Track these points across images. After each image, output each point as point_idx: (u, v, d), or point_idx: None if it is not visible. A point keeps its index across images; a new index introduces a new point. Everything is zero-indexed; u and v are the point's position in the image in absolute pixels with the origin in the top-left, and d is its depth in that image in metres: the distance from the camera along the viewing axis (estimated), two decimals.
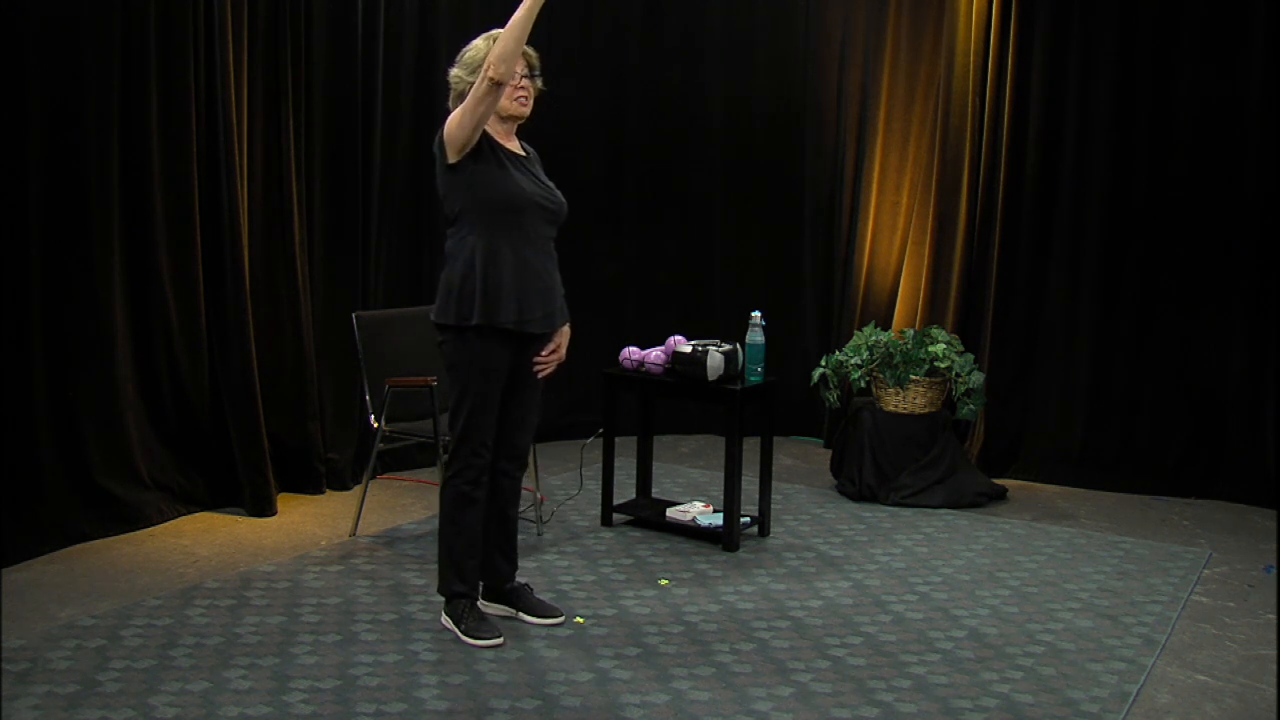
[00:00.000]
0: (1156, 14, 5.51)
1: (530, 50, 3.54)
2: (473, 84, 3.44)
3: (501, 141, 3.54)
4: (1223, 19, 5.41)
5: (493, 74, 3.29)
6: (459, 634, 3.58)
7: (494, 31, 3.49)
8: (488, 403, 3.52)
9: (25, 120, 4.24)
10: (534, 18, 3.30)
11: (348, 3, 5.30)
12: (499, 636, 3.56)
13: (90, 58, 4.43)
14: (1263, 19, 5.32)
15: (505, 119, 3.56)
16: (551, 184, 3.67)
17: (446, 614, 3.66)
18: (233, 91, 4.79)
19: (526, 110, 3.57)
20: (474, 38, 3.59)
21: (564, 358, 3.72)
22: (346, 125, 5.37)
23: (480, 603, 3.78)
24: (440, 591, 3.68)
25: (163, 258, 4.71)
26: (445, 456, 3.76)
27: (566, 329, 3.72)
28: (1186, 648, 3.73)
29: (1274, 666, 3.58)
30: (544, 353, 3.65)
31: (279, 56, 5.01)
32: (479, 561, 3.67)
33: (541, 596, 3.90)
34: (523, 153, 3.65)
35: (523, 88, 3.53)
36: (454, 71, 3.56)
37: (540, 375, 3.67)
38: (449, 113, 3.53)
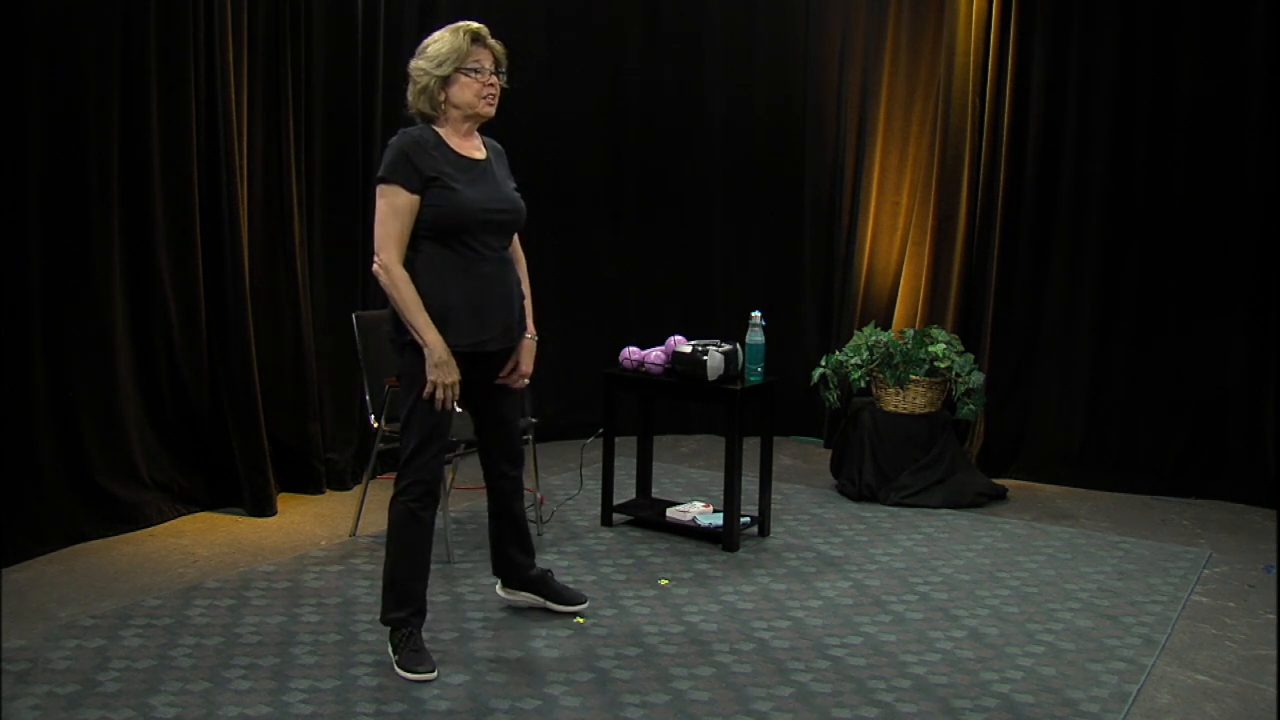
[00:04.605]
0: (1156, 14, 5.52)
1: (498, 45, 3.39)
2: (438, 78, 3.30)
3: (457, 146, 3.36)
4: (1223, 19, 5.40)
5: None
6: (393, 663, 3.36)
7: (460, 24, 3.34)
8: (442, 419, 3.34)
9: (25, 121, 4.24)
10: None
11: (348, 3, 5.31)
12: (432, 671, 3.32)
13: (90, 58, 4.43)
14: (1263, 19, 5.32)
15: (470, 118, 3.37)
16: (512, 183, 3.49)
17: (389, 640, 3.43)
18: (233, 91, 4.79)
19: (493, 110, 3.40)
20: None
21: (528, 372, 3.56)
22: (346, 125, 5.37)
23: (503, 591, 3.83)
24: (380, 620, 3.44)
25: (163, 258, 4.71)
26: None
27: (529, 343, 3.55)
28: (1186, 648, 3.73)
29: (1274, 666, 3.58)
30: (504, 373, 3.51)
31: (279, 57, 5.02)
32: (425, 585, 3.44)
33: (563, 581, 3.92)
34: (481, 154, 3.43)
35: (491, 85, 3.36)
36: (416, 64, 3.35)
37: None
38: (409, 108, 3.38)
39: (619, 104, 6.57)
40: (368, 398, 4.68)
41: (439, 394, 3.27)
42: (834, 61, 6.50)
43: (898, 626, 3.83)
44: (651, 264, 6.68)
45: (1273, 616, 4.01)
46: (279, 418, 5.13)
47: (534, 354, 3.59)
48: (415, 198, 3.26)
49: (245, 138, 4.93)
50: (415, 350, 3.29)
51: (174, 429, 4.85)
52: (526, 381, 3.59)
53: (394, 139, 3.32)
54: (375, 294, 5.57)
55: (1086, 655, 3.62)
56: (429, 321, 3.24)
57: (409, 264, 3.29)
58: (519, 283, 3.54)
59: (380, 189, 3.27)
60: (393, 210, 3.25)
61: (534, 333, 3.59)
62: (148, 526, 4.64)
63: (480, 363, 3.45)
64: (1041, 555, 4.60)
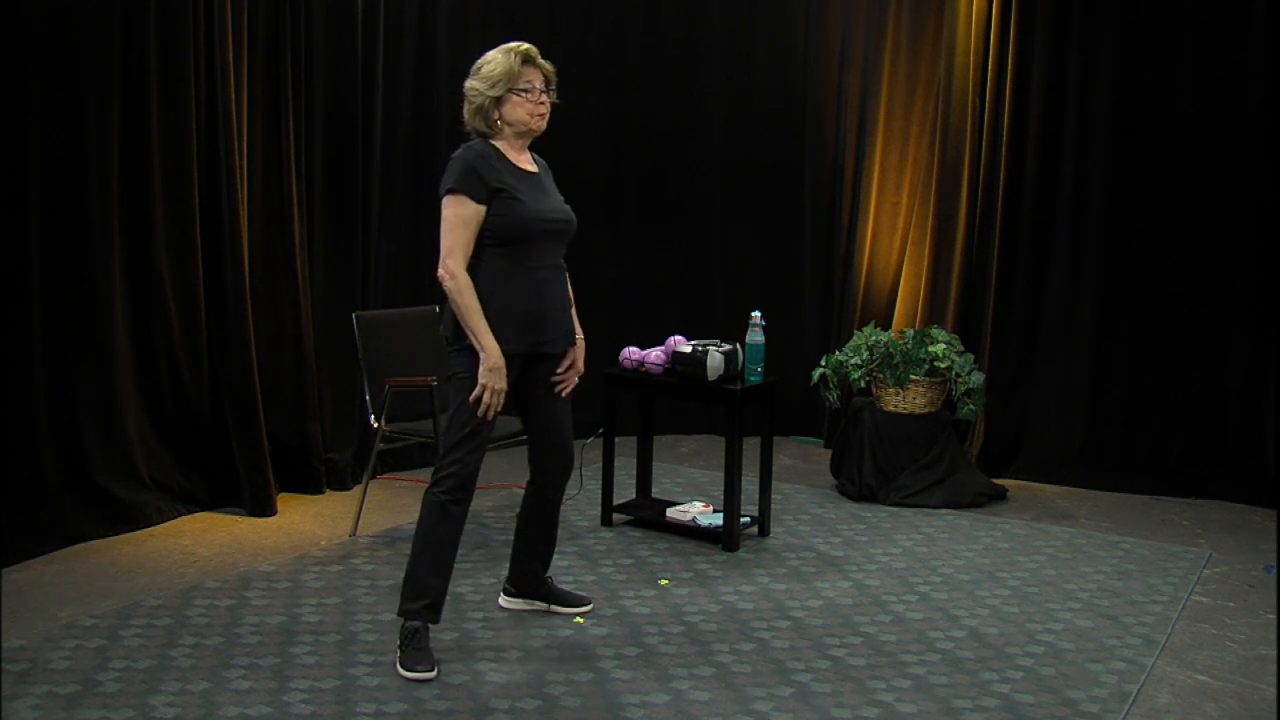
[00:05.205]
0: (1156, 14, 5.52)
1: (548, 64, 3.53)
2: (492, 98, 3.43)
3: (513, 159, 3.49)
4: (1223, 19, 5.41)
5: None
6: (396, 660, 3.40)
7: (511, 45, 3.47)
8: (487, 421, 3.45)
9: (25, 120, 4.24)
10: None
11: (348, 3, 5.31)
12: (432, 670, 3.35)
13: (90, 57, 4.43)
14: (1263, 18, 5.32)
15: (522, 134, 3.52)
16: (560, 196, 3.64)
17: (399, 632, 3.48)
18: (233, 91, 4.79)
19: (544, 125, 3.53)
20: (489, 49, 3.52)
21: (583, 370, 3.69)
22: (346, 125, 5.37)
23: (506, 600, 3.87)
24: (396, 611, 3.48)
25: (163, 258, 4.72)
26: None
27: (581, 342, 3.70)
28: (1186, 648, 3.73)
29: (1274, 666, 3.58)
30: (559, 370, 3.63)
31: (279, 56, 5.02)
32: (444, 581, 3.47)
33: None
34: (534, 168, 3.58)
35: (542, 103, 3.50)
36: (471, 84, 3.50)
37: (562, 393, 3.65)
38: (465, 127, 3.51)
39: (619, 104, 6.57)
40: (368, 398, 4.68)
41: (486, 397, 3.37)
42: (834, 61, 6.50)
43: (898, 626, 3.83)
44: (651, 264, 6.68)
45: (1273, 616, 4.01)
46: (279, 418, 5.13)
47: (584, 353, 3.72)
48: (481, 208, 3.40)
49: (245, 138, 4.93)
50: (472, 353, 3.42)
51: (174, 429, 4.85)
52: (573, 385, 3.68)
53: (458, 153, 3.47)
54: (375, 294, 5.58)
55: (1086, 655, 3.63)
56: (488, 328, 3.37)
57: (471, 270, 3.42)
58: (568, 288, 3.68)
59: (448, 199, 3.40)
60: (460, 219, 3.38)
61: (581, 334, 3.73)
62: (148, 526, 4.64)
63: (539, 364, 3.56)
64: (1041, 555, 4.60)
